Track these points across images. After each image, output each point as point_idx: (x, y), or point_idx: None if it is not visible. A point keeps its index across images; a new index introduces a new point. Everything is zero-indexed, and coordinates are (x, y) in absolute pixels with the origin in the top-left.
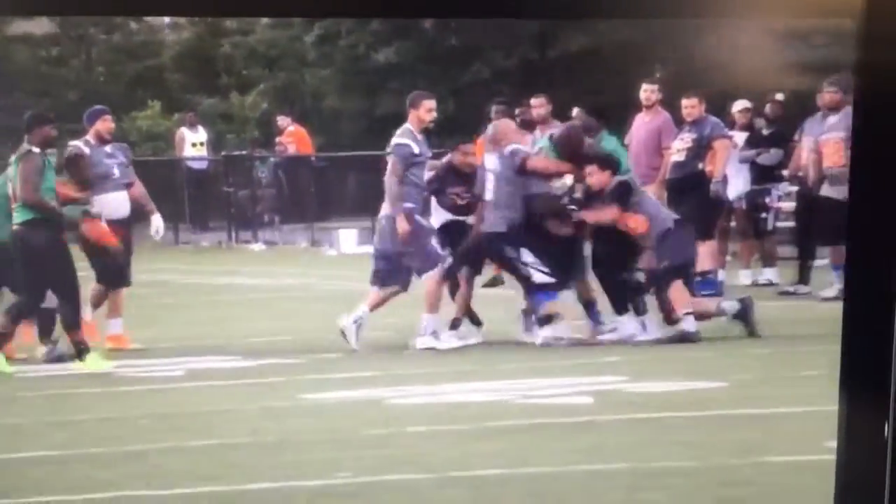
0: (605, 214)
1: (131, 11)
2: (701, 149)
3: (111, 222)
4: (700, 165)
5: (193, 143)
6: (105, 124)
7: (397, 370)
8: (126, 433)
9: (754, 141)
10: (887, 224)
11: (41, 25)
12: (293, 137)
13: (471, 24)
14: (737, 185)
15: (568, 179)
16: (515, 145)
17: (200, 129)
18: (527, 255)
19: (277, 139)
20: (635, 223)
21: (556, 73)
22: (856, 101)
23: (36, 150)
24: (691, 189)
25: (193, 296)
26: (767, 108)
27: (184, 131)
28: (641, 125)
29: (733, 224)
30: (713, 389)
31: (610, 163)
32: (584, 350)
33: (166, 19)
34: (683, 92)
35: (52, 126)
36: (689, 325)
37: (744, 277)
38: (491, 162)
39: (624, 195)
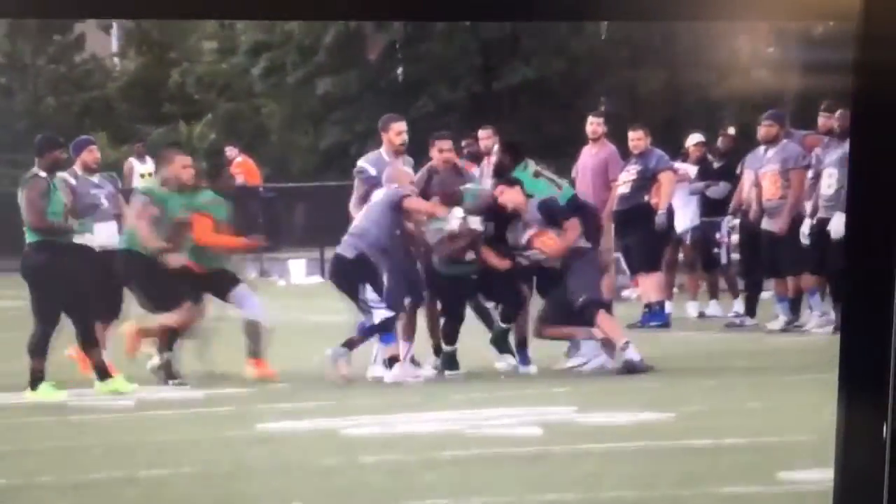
0: (501, 263)
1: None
2: (646, 181)
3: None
4: (645, 197)
5: (142, 174)
6: (91, 154)
7: (349, 400)
8: (78, 462)
9: (704, 173)
10: (885, 225)
11: None
12: (241, 168)
13: (416, 56)
14: (685, 217)
15: (457, 212)
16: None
17: (149, 159)
18: (369, 292)
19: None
20: (548, 242)
21: (501, 106)
22: (854, 104)
23: (42, 174)
24: (637, 221)
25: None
26: (719, 142)
27: (132, 162)
28: (588, 158)
29: (681, 256)
30: (661, 420)
31: (513, 180)
32: (535, 380)
33: (114, 48)
34: (629, 125)
35: (61, 150)
36: (631, 353)
37: (691, 309)
38: (376, 196)
39: (550, 213)
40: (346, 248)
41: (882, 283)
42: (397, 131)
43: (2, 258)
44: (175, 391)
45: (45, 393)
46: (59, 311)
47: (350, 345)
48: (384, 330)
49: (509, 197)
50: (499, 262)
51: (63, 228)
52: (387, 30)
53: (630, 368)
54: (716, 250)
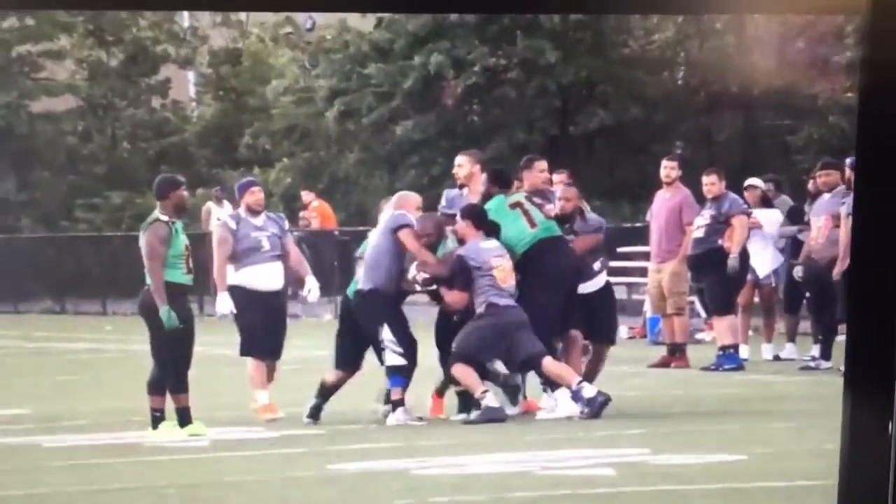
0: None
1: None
2: (720, 224)
3: (262, 294)
4: (719, 241)
5: (219, 218)
6: (254, 196)
7: (419, 441)
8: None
9: (795, 217)
10: (888, 228)
11: (66, 101)
12: (317, 212)
13: (492, 100)
14: (764, 261)
15: (412, 272)
16: (405, 212)
17: (227, 203)
18: (387, 332)
19: (301, 213)
20: (450, 298)
21: (577, 149)
22: (861, 99)
23: (164, 218)
24: (711, 264)
25: (216, 367)
26: (810, 185)
27: (210, 206)
28: (662, 202)
29: (756, 299)
30: (734, 462)
31: (467, 212)
32: (606, 422)
33: (192, 93)
34: (704, 169)
35: (183, 188)
36: (588, 391)
37: (766, 352)
38: (382, 219)
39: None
40: (364, 280)
41: (887, 281)
42: (540, 169)
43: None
44: (248, 433)
45: (167, 432)
46: (184, 351)
47: (394, 404)
48: (396, 373)
49: (465, 231)
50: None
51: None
52: (465, 75)
53: (595, 405)
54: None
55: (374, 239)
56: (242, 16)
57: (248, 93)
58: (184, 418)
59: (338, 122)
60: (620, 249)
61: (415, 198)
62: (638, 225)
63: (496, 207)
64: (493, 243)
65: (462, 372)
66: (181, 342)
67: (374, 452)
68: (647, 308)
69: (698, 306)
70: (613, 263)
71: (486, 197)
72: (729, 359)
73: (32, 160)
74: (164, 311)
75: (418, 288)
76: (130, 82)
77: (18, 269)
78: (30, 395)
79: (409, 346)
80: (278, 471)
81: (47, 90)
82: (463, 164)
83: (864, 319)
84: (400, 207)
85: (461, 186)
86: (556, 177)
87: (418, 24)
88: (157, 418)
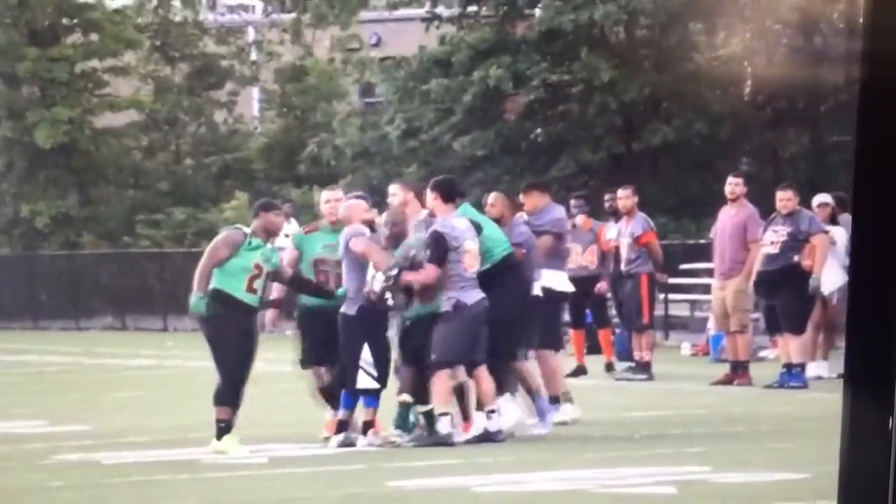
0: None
1: None
2: (796, 242)
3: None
4: (795, 258)
5: (286, 234)
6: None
7: (478, 458)
8: None
9: None
10: (889, 225)
11: (130, 116)
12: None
13: (556, 116)
14: (830, 277)
15: (378, 276)
16: (355, 227)
17: (293, 220)
18: (367, 353)
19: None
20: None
21: (641, 166)
22: (861, 95)
23: (245, 229)
24: (786, 282)
25: (269, 383)
26: None
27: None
28: (727, 218)
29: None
30: (797, 480)
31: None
32: (668, 439)
33: (255, 110)
34: (779, 185)
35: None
36: (492, 424)
37: (822, 369)
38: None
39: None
40: (347, 304)
41: (887, 279)
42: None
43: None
44: (306, 449)
45: (230, 444)
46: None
47: (365, 425)
48: (368, 394)
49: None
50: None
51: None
52: (527, 90)
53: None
54: None
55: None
56: (308, 32)
57: (312, 110)
58: (221, 431)
59: (399, 139)
60: (683, 266)
61: (360, 205)
62: (702, 242)
63: (466, 210)
64: (464, 222)
65: (441, 384)
66: (237, 359)
67: (434, 469)
68: (711, 325)
69: (762, 323)
70: (676, 280)
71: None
72: (796, 377)
73: (95, 176)
74: (195, 297)
75: (374, 298)
76: (195, 98)
77: (80, 285)
78: (90, 411)
79: (383, 370)
80: (337, 488)
81: (111, 106)
82: (397, 193)
83: (863, 316)
84: (348, 220)
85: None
86: (621, 192)
87: (478, 39)
88: (222, 429)
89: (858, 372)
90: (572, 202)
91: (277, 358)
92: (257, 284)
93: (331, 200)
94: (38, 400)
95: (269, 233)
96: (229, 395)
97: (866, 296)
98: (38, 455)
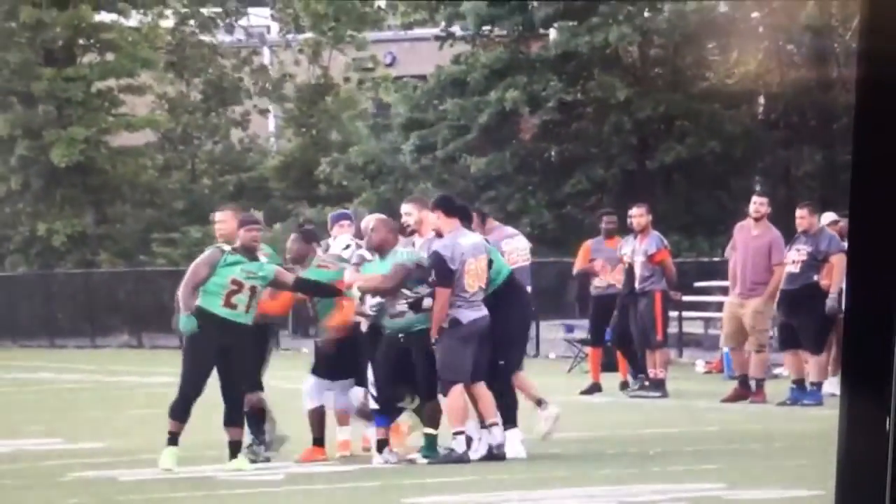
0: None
1: None
2: (816, 262)
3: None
4: (815, 277)
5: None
6: (342, 230)
7: (492, 475)
8: None
9: None
10: (887, 222)
11: (146, 136)
12: None
13: (569, 135)
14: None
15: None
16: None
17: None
18: (371, 372)
19: None
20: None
21: (654, 184)
22: (858, 95)
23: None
24: (805, 301)
25: (289, 400)
26: None
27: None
28: (749, 238)
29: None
30: (811, 497)
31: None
32: (683, 456)
33: (271, 128)
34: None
35: (256, 228)
36: (495, 437)
37: (834, 386)
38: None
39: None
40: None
41: (885, 276)
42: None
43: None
44: (323, 466)
45: (241, 463)
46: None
47: (379, 444)
48: (377, 413)
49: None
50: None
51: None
52: (542, 111)
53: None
54: None
55: None
56: (325, 53)
57: (328, 128)
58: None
59: (413, 155)
60: (697, 284)
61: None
62: (716, 259)
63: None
64: (472, 238)
65: (454, 401)
66: (196, 373)
67: (449, 486)
68: (723, 342)
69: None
70: (689, 298)
71: (439, 234)
72: (812, 395)
73: (111, 195)
74: (183, 317)
75: (368, 317)
76: (210, 116)
77: (96, 303)
78: (106, 428)
79: (386, 394)
80: None
81: (127, 125)
82: (411, 212)
83: (862, 313)
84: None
85: (411, 233)
86: (635, 210)
87: (493, 58)
88: (169, 440)
89: (856, 374)
90: (604, 219)
91: (294, 376)
92: (237, 300)
93: (224, 220)
94: (54, 417)
95: (247, 249)
96: (178, 409)
97: (864, 298)
98: (55, 472)
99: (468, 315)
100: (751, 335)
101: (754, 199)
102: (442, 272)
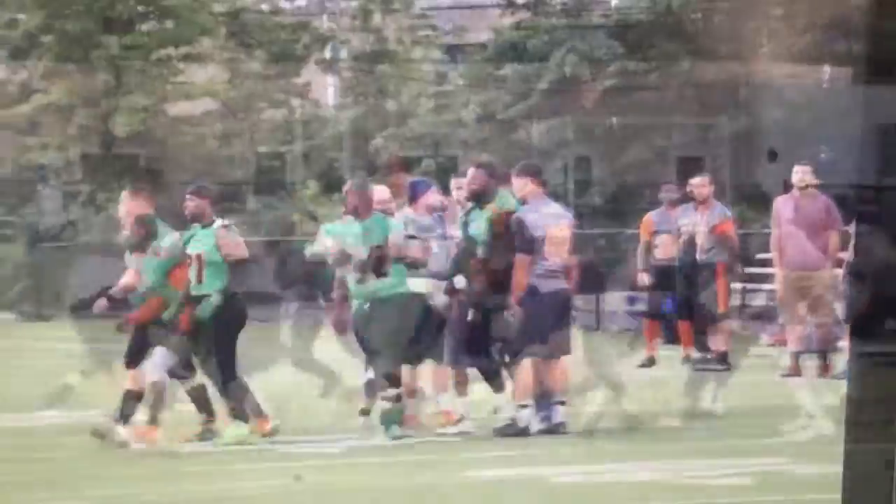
0: None
1: None
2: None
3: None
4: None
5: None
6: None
7: (553, 447)
8: None
9: None
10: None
11: (205, 104)
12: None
13: (631, 104)
14: None
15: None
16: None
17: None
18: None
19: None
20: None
21: (718, 155)
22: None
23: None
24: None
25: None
26: None
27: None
28: (800, 208)
29: None
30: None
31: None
32: (743, 430)
33: (330, 98)
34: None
35: (190, 197)
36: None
37: None
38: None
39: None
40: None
41: (889, 273)
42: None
43: None
44: (382, 440)
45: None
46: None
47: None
48: None
49: None
50: None
51: None
52: (603, 76)
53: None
54: None
55: None
56: (379, 18)
57: (387, 96)
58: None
59: (474, 123)
60: (760, 256)
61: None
62: None
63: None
64: (554, 207)
65: (524, 375)
66: None
67: (512, 460)
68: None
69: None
70: (753, 270)
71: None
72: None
73: (170, 164)
74: None
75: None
76: (270, 84)
77: None
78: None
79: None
80: (413, 477)
81: (186, 94)
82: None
83: (867, 309)
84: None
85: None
86: (697, 179)
87: (552, 25)
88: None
89: (862, 369)
90: (663, 189)
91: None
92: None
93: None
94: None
95: (192, 217)
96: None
97: (868, 293)
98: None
99: (547, 285)
100: (820, 308)
101: (797, 168)
102: (525, 239)
